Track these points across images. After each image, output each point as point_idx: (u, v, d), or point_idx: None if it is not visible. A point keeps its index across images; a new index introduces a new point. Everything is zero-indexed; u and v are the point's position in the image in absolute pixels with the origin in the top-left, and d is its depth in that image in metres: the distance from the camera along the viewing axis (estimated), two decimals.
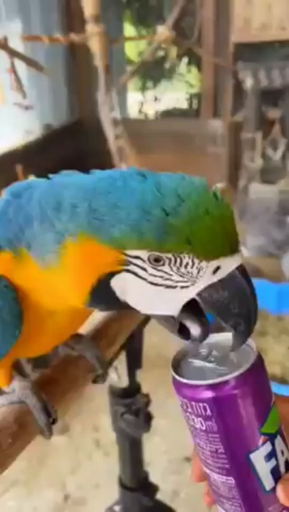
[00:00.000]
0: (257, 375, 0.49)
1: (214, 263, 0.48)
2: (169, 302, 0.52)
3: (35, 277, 0.55)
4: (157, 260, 0.49)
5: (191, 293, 0.50)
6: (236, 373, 0.47)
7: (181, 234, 0.47)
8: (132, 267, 0.50)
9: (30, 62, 2.99)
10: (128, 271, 0.51)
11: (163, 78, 5.46)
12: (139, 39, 4.55)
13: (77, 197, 0.51)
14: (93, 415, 2.27)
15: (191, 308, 0.52)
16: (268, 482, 0.50)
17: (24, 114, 3.47)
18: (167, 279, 0.50)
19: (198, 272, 0.49)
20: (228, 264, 0.49)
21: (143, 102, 5.59)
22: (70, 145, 4.08)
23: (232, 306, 0.50)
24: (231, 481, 0.50)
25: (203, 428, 0.49)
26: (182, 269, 0.49)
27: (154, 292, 0.51)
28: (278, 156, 3.82)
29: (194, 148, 4.20)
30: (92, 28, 3.19)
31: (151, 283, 0.51)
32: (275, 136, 3.83)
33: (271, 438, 0.50)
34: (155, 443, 2.15)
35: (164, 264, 0.49)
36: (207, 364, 0.52)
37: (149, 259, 0.49)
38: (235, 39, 3.88)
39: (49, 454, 2.18)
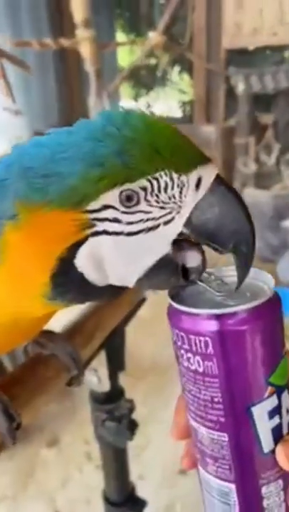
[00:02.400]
0: (272, 312, 0.41)
1: (194, 174, 0.40)
2: (155, 248, 0.42)
3: None
4: (130, 199, 0.40)
5: (178, 226, 0.41)
6: (249, 305, 0.39)
7: (147, 144, 0.39)
8: (100, 226, 0.41)
9: (17, 61, 2.95)
10: (96, 233, 0.41)
11: (155, 86, 5.47)
12: (130, 44, 4.55)
13: (5, 169, 0.42)
14: (83, 426, 2.18)
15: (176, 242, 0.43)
16: (267, 442, 0.42)
17: (14, 120, 3.43)
18: (148, 220, 0.41)
19: (181, 192, 0.41)
20: (208, 174, 0.41)
21: (136, 110, 5.59)
22: None
23: (227, 223, 0.41)
24: (224, 437, 0.42)
25: (200, 370, 0.41)
26: (162, 196, 0.41)
27: (135, 244, 0.41)
28: (272, 161, 3.80)
29: None
30: (82, 33, 3.17)
31: (130, 233, 0.41)
32: (269, 141, 3.81)
33: (279, 391, 0.42)
34: (149, 455, 2.07)
35: (138, 202, 0.41)
36: (214, 295, 0.43)
37: (121, 201, 0.40)
38: (226, 45, 3.88)
39: (38, 467, 2.10)
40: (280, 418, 0.43)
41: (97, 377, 0.83)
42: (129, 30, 5.21)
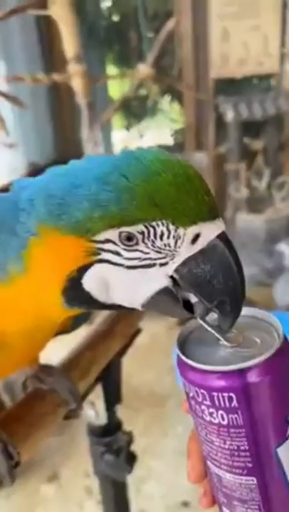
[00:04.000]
0: (286, 356, 0.42)
1: (192, 229, 0.42)
2: (153, 281, 0.45)
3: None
4: (130, 239, 0.43)
5: (170, 269, 0.44)
6: (267, 354, 0.40)
7: (144, 195, 0.42)
8: (104, 255, 0.44)
9: (12, 99, 3.02)
10: (101, 261, 0.45)
11: (146, 115, 5.57)
12: (120, 77, 4.66)
13: (34, 191, 0.47)
14: (83, 460, 2.14)
15: None
16: None
17: (8, 153, 3.48)
18: (145, 259, 0.44)
19: (176, 243, 0.43)
20: (209, 231, 0.43)
21: (128, 139, 5.68)
22: None
23: (215, 281, 0.43)
24: (253, 481, 0.43)
25: (225, 422, 0.41)
26: (158, 243, 0.43)
27: (135, 276, 0.45)
28: (263, 186, 3.85)
29: None
30: (73, 68, 3.26)
31: (129, 267, 0.45)
32: (259, 167, 3.87)
33: None
34: (150, 487, 2.03)
35: (137, 243, 0.44)
36: (222, 346, 0.44)
37: (120, 240, 0.44)
38: (214, 75, 3.98)
39: (38, 504, 2.05)
40: None
41: (94, 411, 0.83)
42: (120, 63, 5.35)
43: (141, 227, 0.43)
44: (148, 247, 0.44)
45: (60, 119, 4.51)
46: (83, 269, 0.45)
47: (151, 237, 0.43)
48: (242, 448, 0.42)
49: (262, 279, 3.52)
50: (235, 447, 0.42)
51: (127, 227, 0.43)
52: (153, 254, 0.44)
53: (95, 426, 0.86)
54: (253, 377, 0.40)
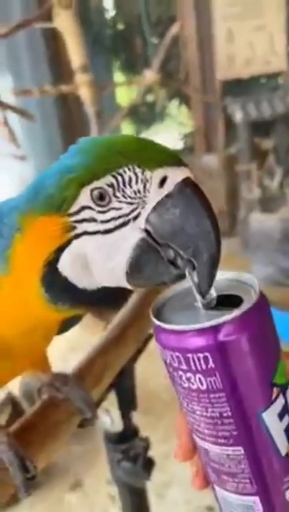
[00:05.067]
0: (263, 313, 0.40)
1: (158, 172, 0.43)
2: (129, 240, 0.44)
3: None
4: (102, 197, 0.44)
5: (142, 220, 0.44)
6: (240, 311, 0.38)
7: (106, 148, 0.44)
8: (80, 227, 0.45)
9: (21, 113, 3.06)
10: (77, 236, 0.45)
11: (155, 120, 5.59)
12: (127, 84, 4.69)
13: (17, 197, 0.50)
14: (106, 468, 2.14)
15: None
16: (282, 445, 0.41)
17: (19, 164, 3.52)
18: (119, 217, 0.44)
19: (145, 187, 0.43)
20: (175, 175, 0.43)
21: None
22: None
23: (188, 225, 0.42)
24: (240, 451, 0.40)
25: (204, 387, 0.39)
26: (128, 191, 0.44)
27: (113, 241, 0.45)
28: (275, 185, 3.82)
29: None
30: (80, 78, 3.29)
31: (106, 231, 0.45)
32: (271, 166, 3.84)
33: (283, 390, 0.41)
34: (173, 492, 2.02)
35: (110, 201, 0.44)
36: (199, 304, 0.42)
37: (94, 201, 0.44)
38: (220, 76, 3.98)
39: None
40: None
41: (109, 418, 0.83)
42: (126, 70, 5.38)
43: (109, 178, 0.44)
44: (120, 201, 0.44)
45: (69, 128, 4.55)
46: (60, 250, 0.45)
47: (121, 185, 0.44)
48: (224, 415, 0.39)
49: (278, 278, 3.48)
50: (218, 414, 0.39)
51: (96, 181, 0.44)
52: (126, 209, 0.44)
53: (111, 433, 0.86)
54: (227, 334, 0.38)
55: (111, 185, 0.44)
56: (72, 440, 2.27)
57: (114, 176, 0.44)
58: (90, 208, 0.45)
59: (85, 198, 0.44)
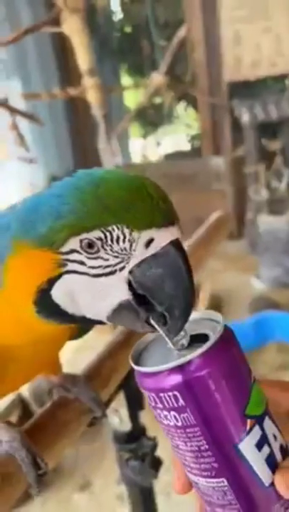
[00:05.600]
0: (227, 348, 0.42)
1: (145, 234, 0.45)
2: (115, 291, 0.47)
3: None
4: (91, 246, 0.46)
5: (125, 273, 0.46)
6: (202, 349, 0.41)
7: (95, 201, 0.45)
8: (70, 266, 0.47)
9: (29, 117, 3.10)
10: (68, 272, 0.47)
11: (163, 123, 5.61)
12: (134, 87, 4.72)
13: (13, 215, 0.51)
14: (115, 468, 2.15)
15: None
16: (264, 475, 0.42)
17: (29, 168, 3.56)
18: (106, 267, 0.47)
19: (131, 246, 0.45)
20: (162, 237, 0.45)
21: (145, 147, 5.72)
22: None
23: (165, 285, 0.45)
24: (223, 482, 0.42)
25: (179, 423, 0.41)
26: (115, 247, 0.46)
27: (99, 286, 0.47)
28: (283, 187, 3.82)
29: (199, 187, 4.24)
30: (88, 82, 3.32)
31: (94, 275, 0.47)
32: (278, 167, 3.84)
33: (259, 421, 0.42)
34: (180, 496, 2.03)
35: (98, 250, 0.46)
36: (172, 350, 0.45)
37: (83, 248, 0.46)
38: (227, 78, 3.99)
39: None
40: (270, 446, 0.42)
41: (118, 418, 0.85)
42: (134, 73, 5.41)
43: (98, 232, 0.45)
44: (108, 253, 0.46)
45: (78, 131, 4.59)
46: (52, 281, 0.48)
47: (109, 241, 0.46)
48: (202, 448, 0.41)
49: (285, 280, 3.48)
50: (196, 448, 0.42)
51: (85, 233, 0.46)
52: (112, 260, 0.46)
53: (120, 433, 0.88)
54: (192, 372, 0.40)
55: (99, 239, 0.46)
56: (81, 441, 2.29)
57: (102, 232, 0.46)
58: (79, 252, 0.47)
59: (74, 244, 0.47)
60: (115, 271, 0.47)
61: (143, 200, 0.45)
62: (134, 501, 0.94)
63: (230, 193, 4.14)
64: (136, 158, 5.72)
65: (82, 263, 0.47)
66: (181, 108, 5.48)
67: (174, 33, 3.84)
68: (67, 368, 0.74)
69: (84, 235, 0.46)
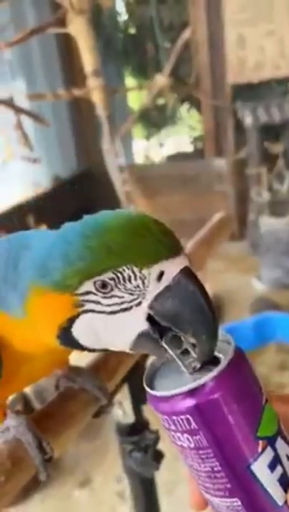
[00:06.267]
0: (238, 371, 0.43)
1: (155, 268, 0.47)
2: (133, 324, 0.49)
3: (10, 328, 0.57)
4: (104, 286, 0.48)
5: (144, 308, 0.48)
6: (213, 373, 0.42)
7: (101, 247, 0.47)
8: (87, 306, 0.50)
9: (35, 117, 3.12)
10: (86, 311, 0.50)
11: (166, 124, 5.63)
12: (138, 89, 4.74)
13: (29, 259, 0.54)
14: (115, 465, 2.17)
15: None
16: (277, 495, 0.43)
17: (32, 167, 3.58)
18: (122, 303, 0.49)
19: (144, 283, 0.47)
20: (172, 268, 0.47)
21: (148, 148, 5.75)
22: (80, 194, 4.18)
23: (186, 312, 0.47)
24: (237, 502, 0.43)
25: (192, 445, 0.43)
26: (128, 285, 0.48)
27: (117, 321, 0.49)
28: (285, 189, 3.84)
29: (201, 188, 4.26)
30: (92, 82, 3.34)
31: (111, 312, 0.49)
32: (280, 170, 3.86)
33: (271, 441, 0.43)
34: (181, 491, 2.04)
35: (112, 289, 0.48)
36: (184, 373, 0.46)
37: (97, 289, 0.49)
38: (230, 81, 4.01)
39: (71, 509, 2.08)
40: (282, 467, 0.43)
41: (122, 410, 0.87)
42: (138, 74, 5.43)
43: (110, 274, 0.48)
44: (122, 291, 0.48)
45: (82, 132, 4.61)
46: (72, 320, 0.51)
47: (122, 281, 0.48)
48: (215, 469, 0.42)
49: (286, 281, 3.50)
50: (210, 469, 0.43)
51: (98, 276, 0.48)
52: (127, 297, 0.48)
53: (123, 425, 0.90)
54: (202, 396, 0.41)
55: (112, 279, 0.48)
56: (82, 438, 2.30)
57: (114, 273, 0.48)
58: (94, 293, 0.49)
59: (89, 286, 0.49)
60: (131, 307, 0.49)
61: (145, 238, 0.47)
62: (136, 494, 0.96)
63: (232, 194, 4.17)
64: (139, 159, 5.74)
65: (98, 303, 0.49)
66: (184, 110, 5.49)
67: (178, 35, 3.87)
68: (73, 361, 0.76)
69: (97, 278, 0.48)
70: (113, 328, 0.50)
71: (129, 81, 5.55)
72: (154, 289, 0.47)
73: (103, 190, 3.89)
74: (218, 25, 3.92)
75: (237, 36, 3.88)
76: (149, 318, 0.49)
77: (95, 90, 3.33)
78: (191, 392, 0.42)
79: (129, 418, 0.89)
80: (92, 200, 4.06)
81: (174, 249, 0.48)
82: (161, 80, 3.75)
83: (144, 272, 0.47)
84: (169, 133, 5.80)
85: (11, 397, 0.71)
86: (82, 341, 0.52)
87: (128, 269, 0.47)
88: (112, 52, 4.90)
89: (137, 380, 0.86)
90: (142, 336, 0.50)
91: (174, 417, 0.43)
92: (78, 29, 3.22)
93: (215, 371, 0.42)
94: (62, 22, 3.21)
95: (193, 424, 0.42)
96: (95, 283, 0.48)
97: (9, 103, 2.97)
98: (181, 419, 0.42)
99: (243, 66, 3.94)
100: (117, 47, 5.08)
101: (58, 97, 3.45)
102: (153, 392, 0.44)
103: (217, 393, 0.41)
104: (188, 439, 0.43)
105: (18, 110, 3.01)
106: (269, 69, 3.90)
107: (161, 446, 0.95)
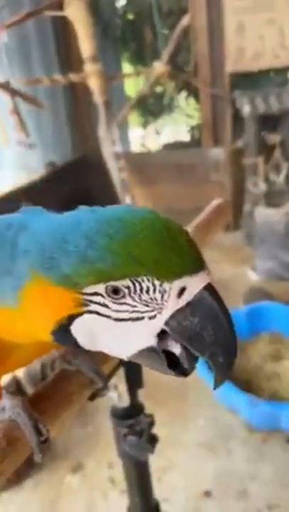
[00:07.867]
0: None
1: (177, 284, 0.44)
2: (141, 337, 0.47)
3: (2, 316, 0.54)
4: (116, 292, 0.46)
5: (159, 323, 0.46)
6: None
7: (126, 254, 0.44)
8: (92, 306, 0.47)
9: (30, 100, 3.08)
10: (90, 311, 0.47)
11: (163, 112, 5.59)
12: (136, 75, 4.70)
13: (30, 242, 0.50)
14: (107, 451, 2.19)
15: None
16: None
17: (27, 153, 3.54)
18: (133, 312, 0.46)
19: (162, 297, 0.45)
20: (195, 284, 0.44)
21: (145, 137, 5.71)
22: (75, 181, 4.15)
23: (205, 333, 0.44)
24: None
25: None
26: (144, 296, 0.45)
27: (123, 329, 0.47)
28: (282, 180, 3.83)
29: (197, 177, 4.24)
30: (89, 68, 3.30)
31: (117, 319, 0.47)
32: (277, 160, 3.85)
33: None
34: (172, 477, 2.06)
35: (124, 296, 0.46)
36: None
37: (107, 293, 0.46)
38: (229, 69, 3.98)
39: (62, 495, 2.09)
40: None
41: (117, 393, 0.87)
42: (135, 61, 5.38)
43: (127, 281, 0.45)
44: (135, 301, 0.46)
45: (78, 118, 4.57)
46: (72, 317, 0.48)
47: (138, 291, 0.45)
48: None
49: (280, 272, 3.51)
50: None
51: (113, 281, 0.45)
52: (141, 308, 0.46)
53: (118, 408, 0.90)
54: None
55: (127, 287, 0.45)
56: (75, 424, 2.31)
57: (132, 281, 0.45)
58: (103, 296, 0.46)
59: (99, 287, 0.46)
60: (143, 317, 0.46)
61: (173, 251, 0.44)
62: (130, 478, 0.97)
63: (229, 184, 4.16)
64: (135, 147, 5.71)
65: (105, 306, 0.47)
66: (182, 98, 5.46)
67: (177, 21, 3.83)
68: None
69: (111, 283, 0.45)
70: (116, 335, 0.48)
71: (127, 67, 5.49)
72: (173, 304, 0.45)
73: (99, 177, 3.86)
74: (217, 12, 3.87)
75: (237, 24, 3.84)
76: (160, 336, 0.46)
77: (91, 76, 3.30)
78: None
79: (125, 401, 0.88)
80: (88, 188, 4.04)
81: (198, 265, 0.45)
82: (159, 67, 3.71)
83: (165, 285, 0.44)
84: (166, 121, 5.77)
85: (5, 380, 0.70)
86: (80, 340, 0.50)
87: (148, 280, 0.45)
88: (110, 38, 4.84)
89: (132, 364, 0.86)
90: (148, 350, 0.47)
91: None
92: (76, 13, 3.17)
93: None
94: (60, 5, 3.16)
95: None
96: (107, 287, 0.46)
97: (5, 86, 2.92)
98: None
99: (242, 55, 3.91)
100: (114, 33, 5.03)
101: (54, 82, 3.40)
102: None
103: None
104: None
105: (15, 93, 2.97)
106: (268, 58, 3.87)
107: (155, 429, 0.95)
